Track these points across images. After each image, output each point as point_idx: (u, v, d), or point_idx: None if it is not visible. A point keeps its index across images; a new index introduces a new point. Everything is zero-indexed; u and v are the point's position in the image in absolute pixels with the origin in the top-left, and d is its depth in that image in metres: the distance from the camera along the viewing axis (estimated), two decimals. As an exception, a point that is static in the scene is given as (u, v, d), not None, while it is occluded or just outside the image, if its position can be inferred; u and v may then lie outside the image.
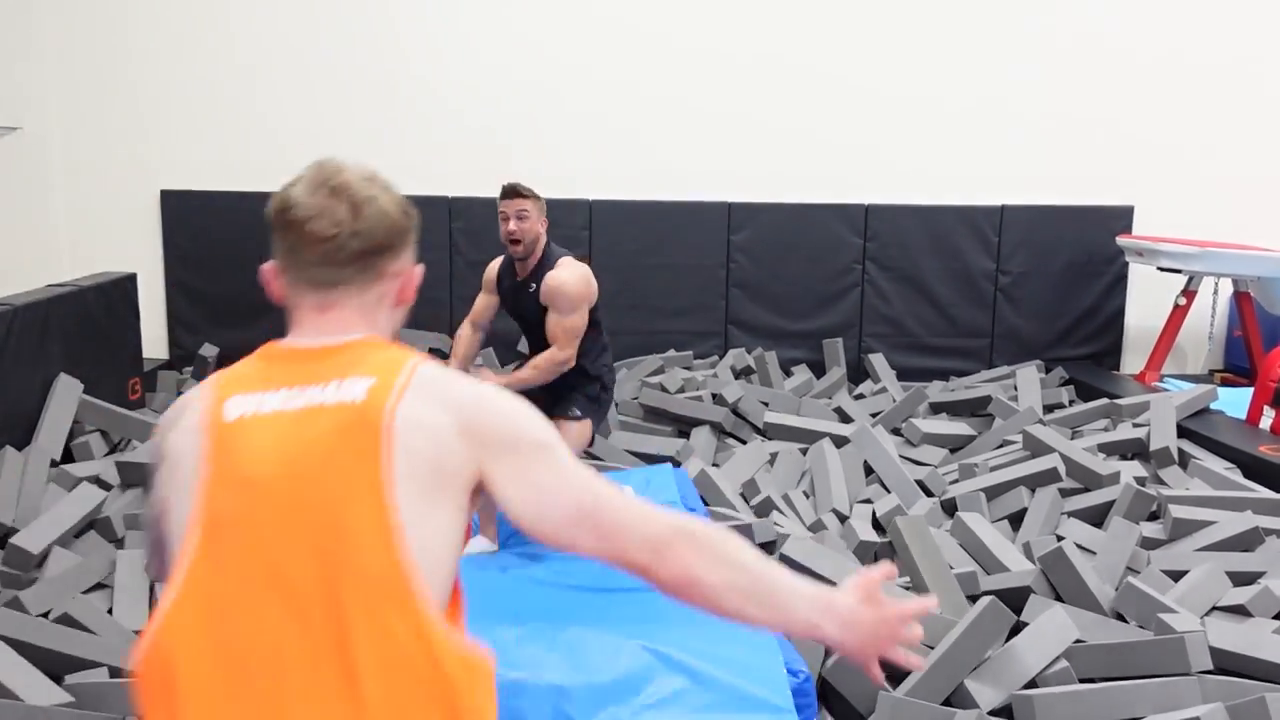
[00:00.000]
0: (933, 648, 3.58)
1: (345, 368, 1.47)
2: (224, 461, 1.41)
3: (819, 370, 8.01)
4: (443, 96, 8.03)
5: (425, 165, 7.89)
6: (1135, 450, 5.92)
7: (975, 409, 7.01)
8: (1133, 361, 8.58)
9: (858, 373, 8.14)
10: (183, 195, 7.89)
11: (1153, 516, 5.01)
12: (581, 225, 8.00)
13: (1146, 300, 8.42)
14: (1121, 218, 8.24)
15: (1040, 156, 8.24)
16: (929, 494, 5.57)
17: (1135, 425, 6.28)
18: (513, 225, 4.04)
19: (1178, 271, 7.50)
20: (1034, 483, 5.35)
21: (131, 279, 6.70)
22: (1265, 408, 6.29)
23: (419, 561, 1.33)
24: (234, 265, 7.87)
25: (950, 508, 5.39)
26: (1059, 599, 4.08)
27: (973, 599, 4.10)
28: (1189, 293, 7.62)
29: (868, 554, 4.72)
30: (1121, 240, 7.86)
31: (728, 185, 8.10)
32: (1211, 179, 8.30)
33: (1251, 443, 5.95)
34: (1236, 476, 5.38)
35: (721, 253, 8.11)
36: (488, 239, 7.71)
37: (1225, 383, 8.03)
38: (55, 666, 3.42)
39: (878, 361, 7.99)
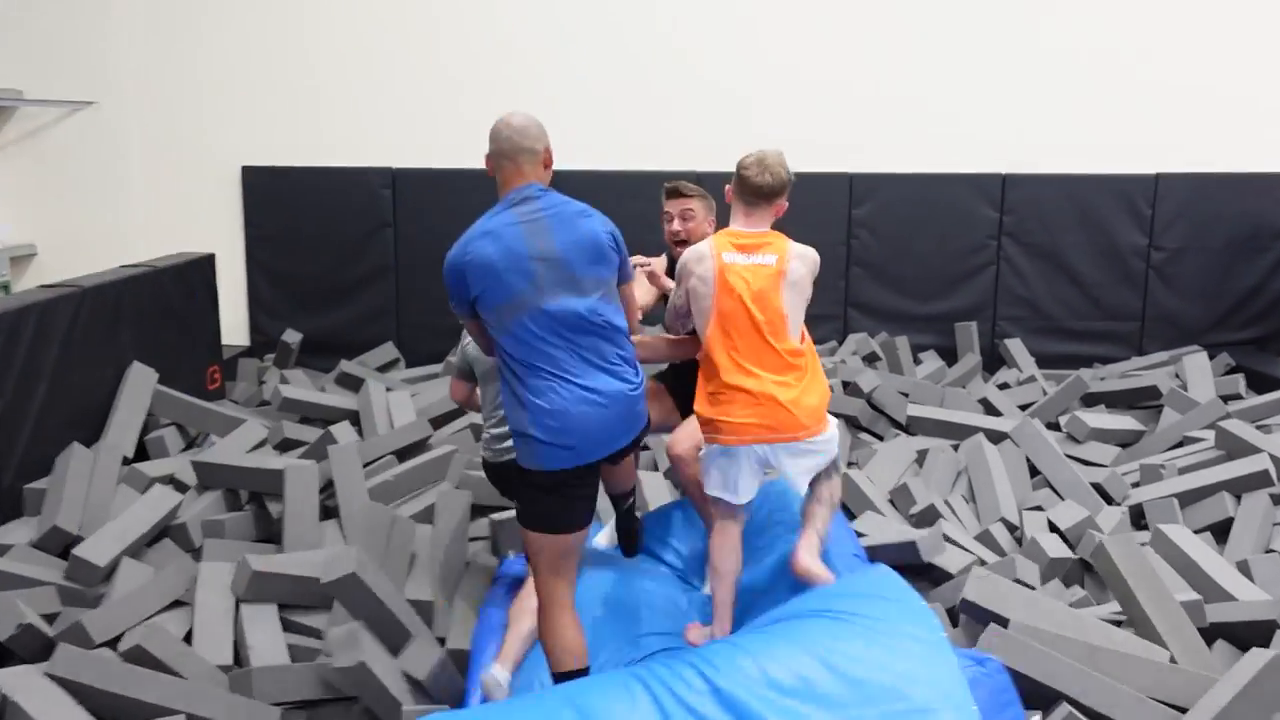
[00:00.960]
0: (1184, 710, 2.87)
1: (765, 247, 3.20)
2: (724, 281, 3.12)
3: (949, 357, 7.25)
4: (569, 65, 7.41)
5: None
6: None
7: (1136, 401, 6.21)
8: (1303, 347, 7.68)
9: (991, 360, 7.37)
10: (265, 172, 7.40)
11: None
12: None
13: (1319, 278, 7.52)
14: (1293, 185, 7.34)
15: (1200, 118, 7.35)
16: (1109, 500, 4.81)
17: (1337, 419, 5.47)
18: (677, 225, 3.73)
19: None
20: (1239, 488, 4.57)
21: (210, 260, 6.23)
22: None
23: (789, 315, 3.12)
24: (318, 245, 7.38)
25: (1138, 516, 4.65)
26: (1315, 637, 3.34)
27: (1202, 634, 3.39)
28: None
29: (1058, 575, 4.01)
30: (1301, 209, 6.97)
31: (849, 154, 7.35)
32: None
33: None
34: None
35: (842, 228, 7.39)
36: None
37: None
38: (122, 716, 2.89)
39: (1015, 347, 7.21)
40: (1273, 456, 4.59)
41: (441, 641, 3.56)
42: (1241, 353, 7.22)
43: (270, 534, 4.40)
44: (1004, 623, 3.17)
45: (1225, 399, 6.19)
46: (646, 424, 2.91)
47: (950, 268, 7.43)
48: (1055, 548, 3.96)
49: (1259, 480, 4.53)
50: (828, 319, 7.45)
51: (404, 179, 7.35)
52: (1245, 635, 3.41)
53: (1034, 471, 5.07)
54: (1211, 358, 7.10)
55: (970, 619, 3.36)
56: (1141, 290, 7.44)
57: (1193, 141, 7.35)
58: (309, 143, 7.39)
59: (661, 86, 7.40)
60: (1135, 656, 3.01)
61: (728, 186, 3.26)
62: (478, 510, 4.43)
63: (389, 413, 5.46)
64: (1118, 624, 3.46)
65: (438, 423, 5.52)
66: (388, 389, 5.94)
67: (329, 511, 4.53)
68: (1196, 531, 4.48)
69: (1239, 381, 6.34)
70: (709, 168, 7.32)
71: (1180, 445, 5.40)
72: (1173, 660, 3.18)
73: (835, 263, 7.38)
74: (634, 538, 3.37)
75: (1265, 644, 3.32)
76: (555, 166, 2.96)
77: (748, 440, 3.01)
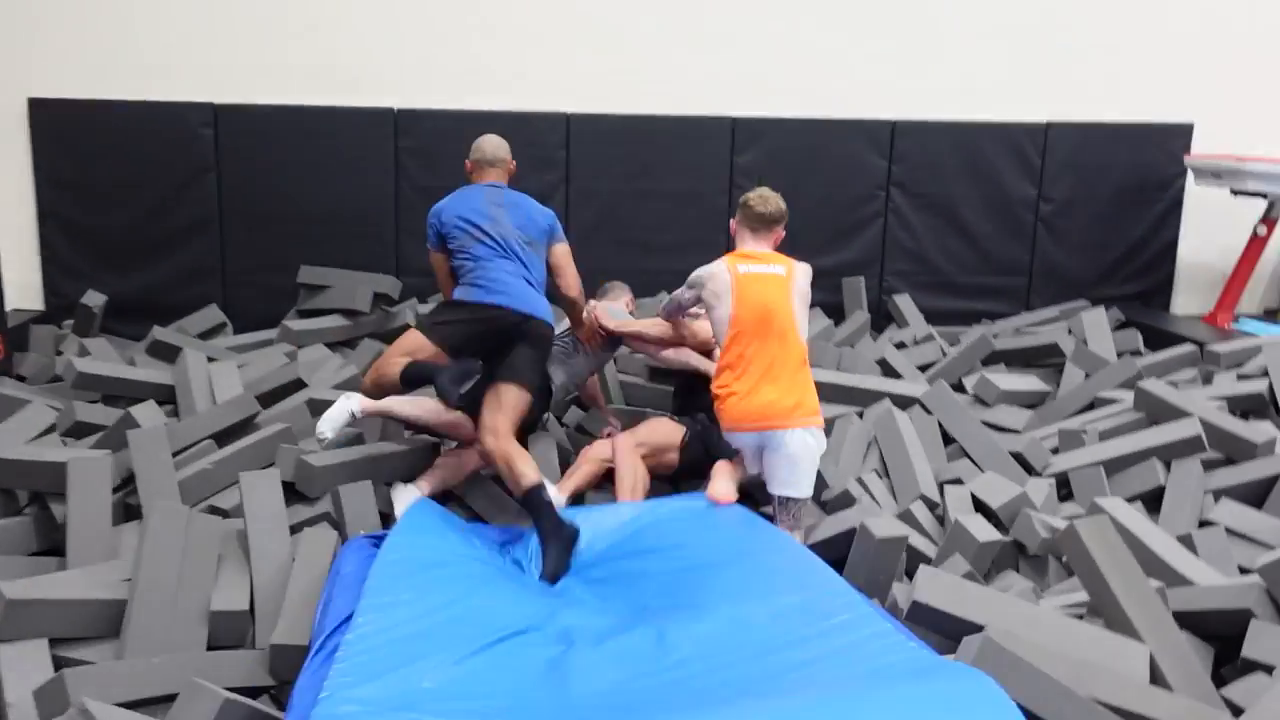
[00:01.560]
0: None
1: (774, 261, 3.90)
2: (741, 291, 3.74)
3: (835, 315, 6.79)
4: (382, -14, 6.55)
5: (366, 71, 6.45)
6: (1252, 407, 4.82)
7: (1035, 359, 5.87)
8: (1184, 302, 7.53)
9: (878, 317, 6.95)
10: (57, 105, 6.31)
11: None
12: (557, 144, 6.63)
13: (1201, 232, 7.36)
14: (1180, 136, 7.11)
15: (1091, 66, 7.05)
16: (1029, 469, 4.39)
17: (1242, 378, 5.19)
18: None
19: (1261, 195, 6.41)
20: (1168, 454, 4.21)
21: (-14, 208, 5.20)
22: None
23: (798, 319, 3.81)
24: (125, 193, 6.38)
25: (1060, 487, 4.24)
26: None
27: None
28: (1269, 220, 6.53)
29: (987, 561, 3.54)
30: (1191, 160, 6.74)
31: (731, 98, 6.78)
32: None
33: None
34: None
35: (723, 177, 6.81)
36: (442, 159, 6.35)
37: (1286, 322, 7.03)
38: None
39: (903, 303, 6.80)
40: (1203, 420, 4.23)
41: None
42: (1127, 308, 6.99)
43: (56, 543, 3.55)
44: (969, 628, 2.65)
45: (1121, 356, 5.93)
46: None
47: (837, 220, 6.95)
48: (981, 529, 3.47)
49: (1190, 446, 4.17)
50: (708, 276, 6.87)
51: (229, 117, 6.38)
52: (1216, 626, 3.00)
53: (948, 440, 4.63)
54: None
55: (917, 624, 2.83)
56: (1030, 244, 7.13)
57: (1083, 90, 7.06)
58: (113, 71, 6.34)
59: (528, 20, 6.65)
60: (1134, 682, 2.51)
61: (733, 221, 4.04)
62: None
63: (210, 388, 4.61)
64: (1080, 617, 3.00)
65: (268, 399, 4.71)
66: (210, 359, 5.07)
67: (133, 512, 3.70)
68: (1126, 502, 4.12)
69: (1136, 338, 6.07)
70: (580, 109, 6.65)
71: (1091, 407, 5.05)
72: (1153, 660, 2.72)
73: (716, 215, 6.80)
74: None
75: (1238, 634, 2.91)
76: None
77: (762, 427, 3.72)
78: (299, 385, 4.86)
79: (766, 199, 3.91)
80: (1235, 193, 6.57)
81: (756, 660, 2.39)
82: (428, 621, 2.65)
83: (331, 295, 6.06)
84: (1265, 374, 5.10)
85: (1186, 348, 5.68)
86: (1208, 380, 5.41)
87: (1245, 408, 4.84)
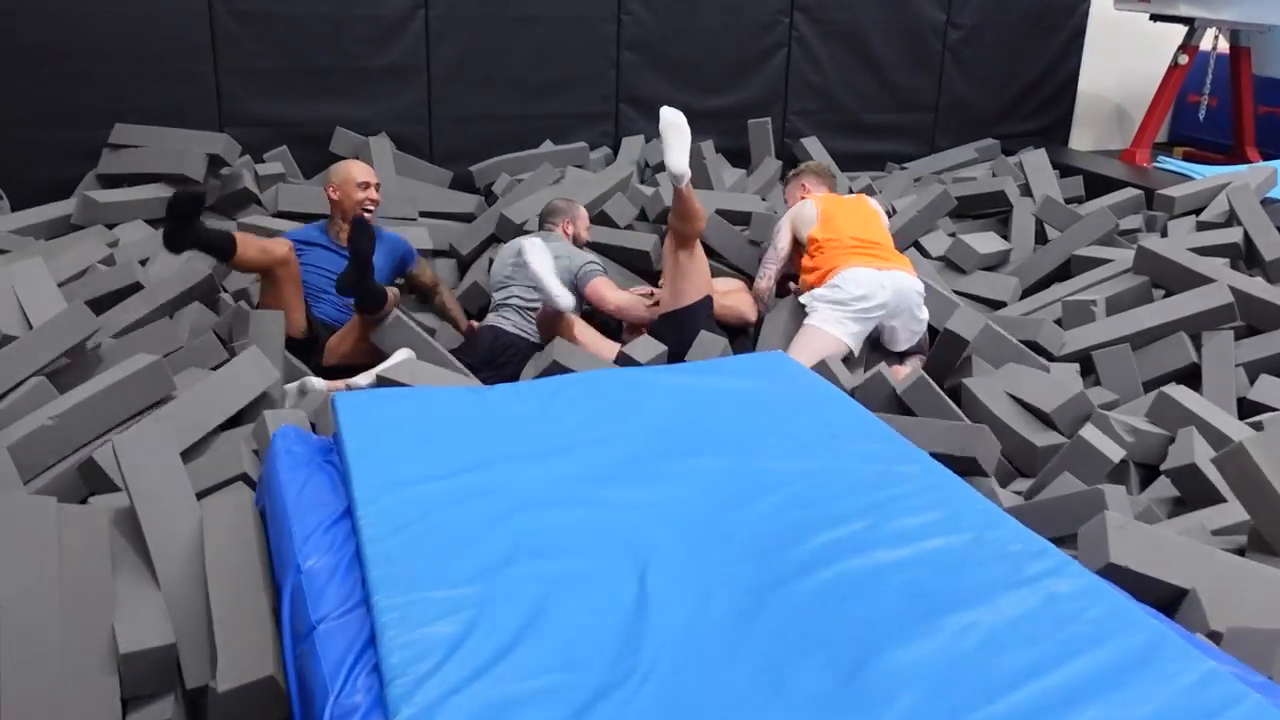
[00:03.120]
0: None
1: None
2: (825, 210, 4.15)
3: (739, 160, 6.03)
4: None
5: None
6: (1224, 256, 4.46)
7: (976, 209, 5.33)
8: (1079, 136, 7.21)
9: (785, 164, 6.24)
10: None
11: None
12: (413, -43, 5.39)
13: (1100, 61, 6.99)
14: (1086, -48, 6.61)
15: None
16: (1045, 354, 3.85)
17: (1204, 226, 4.85)
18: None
19: (1185, 21, 6.01)
20: (1196, 326, 3.77)
21: None
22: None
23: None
24: None
25: (1086, 372, 3.74)
26: None
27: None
28: (1190, 48, 6.16)
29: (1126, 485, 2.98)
30: (1112, -20, 6.25)
31: (617, -101, 5.70)
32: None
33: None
34: None
35: (610, 1, 5.77)
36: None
37: (1190, 158, 6.83)
38: None
39: (812, 147, 6.10)
40: (1232, 288, 3.79)
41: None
42: (1027, 144, 6.56)
43: None
44: (1170, 591, 2.08)
45: (1069, 201, 5.50)
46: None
47: (738, 52, 6.09)
48: (1112, 449, 2.89)
49: (1221, 315, 3.74)
50: (595, 119, 5.92)
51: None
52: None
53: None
54: (1007, 152, 6.42)
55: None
56: (937, 77, 6.53)
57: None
58: None
59: None
60: None
61: (802, 184, 4.52)
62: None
63: (17, 299, 3.38)
64: (1241, 552, 2.50)
65: (104, 303, 3.54)
66: None
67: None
68: (1148, 386, 3.68)
69: (1079, 183, 5.63)
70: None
71: (1068, 268, 4.58)
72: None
73: (603, 44, 5.81)
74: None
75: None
76: None
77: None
78: (135, 288, 3.70)
79: (826, 167, 4.70)
80: (1155, 18, 6.15)
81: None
82: (469, 590, 1.80)
83: (145, 157, 4.74)
84: (1231, 222, 4.77)
85: (1130, 193, 5.29)
86: (1161, 230, 5.05)
87: (1215, 257, 4.46)
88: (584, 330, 3.82)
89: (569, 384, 2.76)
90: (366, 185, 4.04)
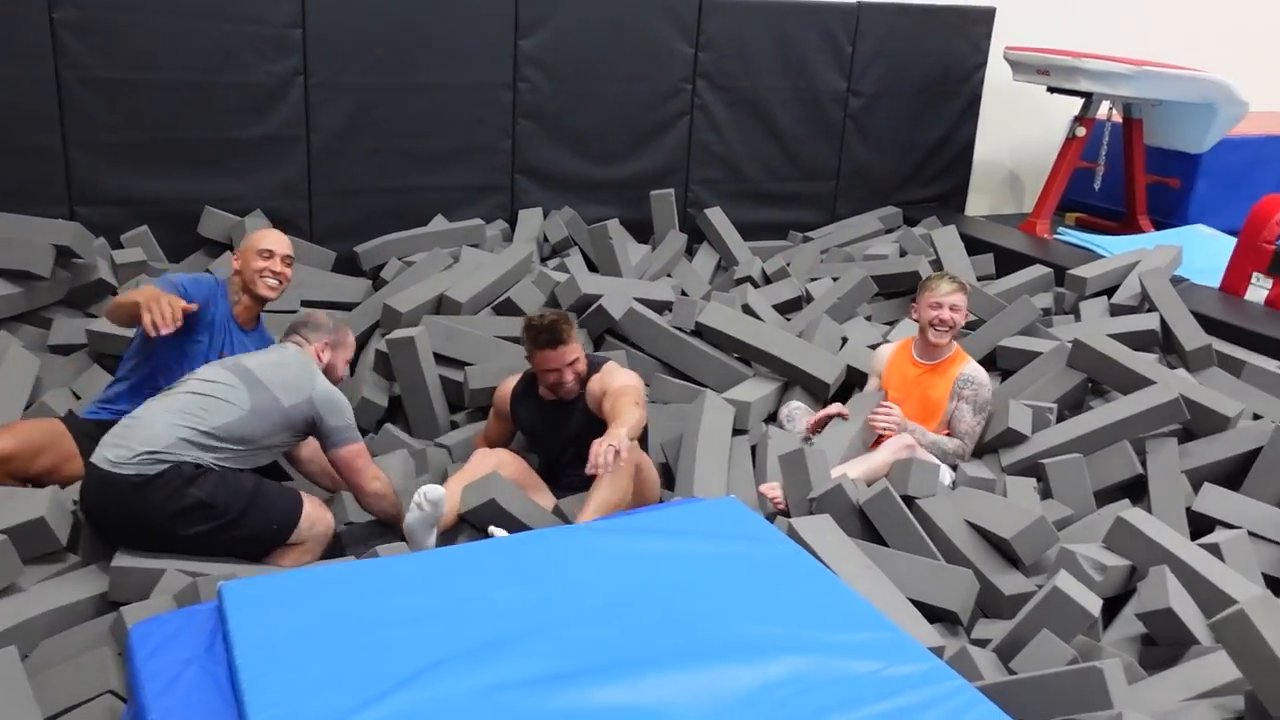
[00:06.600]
0: None
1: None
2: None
3: (641, 234, 5.75)
4: None
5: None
6: (1140, 345, 4.37)
7: (883, 288, 5.14)
8: (975, 202, 7.19)
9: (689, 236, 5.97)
10: None
11: None
12: (289, 23, 4.93)
13: (994, 129, 6.99)
14: (981, 22, 6.58)
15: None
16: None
17: (1119, 308, 4.78)
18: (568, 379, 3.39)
19: (1083, 95, 6.01)
20: (1142, 427, 3.61)
21: None
22: (1256, 275, 5.02)
23: None
24: None
25: (1039, 477, 3.55)
26: None
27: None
28: (1087, 120, 6.17)
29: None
30: (1012, 54, 6.21)
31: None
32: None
33: (1272, 324, 4.68)
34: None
35: (506, 65, 5.43)
36: (119, 36, 4.55)
37: (1081, 224, 6.86)
38: None
39: (716, 218, 5.84)
40: (1185, 398, 3.64)
41: None
42: (926, 211, 6.48)
43: None
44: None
45: (981, 279, 5.39)
46: None
47: (639, 119, 5.82)
48: (1089, 600, 2.66)
49: (1167, 414, 3.59)
50: (490, 190, 5.57)
51: None
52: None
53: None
54: (910, 222, 6.31)
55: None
56: (838, 145, 6.40)
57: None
58: None
59: None
60: None
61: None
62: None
63: None
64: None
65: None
66: None
67: None
68: (1097, 497, 3.52)
69: (989, 261, 5.53)
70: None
71: (994, 358, 4.41)
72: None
73: (498, 112, 5.47)
74: None
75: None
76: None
77: None
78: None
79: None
80: (1053, 90, 6.15)
81: None
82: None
83: (-17, 249, 4.16)
84: (1144, 304, 4.71)
85: (1039, 270, 5.21)
86: (1073, 311, 4.97)
87: (1134, 345, 4.37)
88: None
89: (501, 551, 2.40)
90: (270, 255, 3.42)
